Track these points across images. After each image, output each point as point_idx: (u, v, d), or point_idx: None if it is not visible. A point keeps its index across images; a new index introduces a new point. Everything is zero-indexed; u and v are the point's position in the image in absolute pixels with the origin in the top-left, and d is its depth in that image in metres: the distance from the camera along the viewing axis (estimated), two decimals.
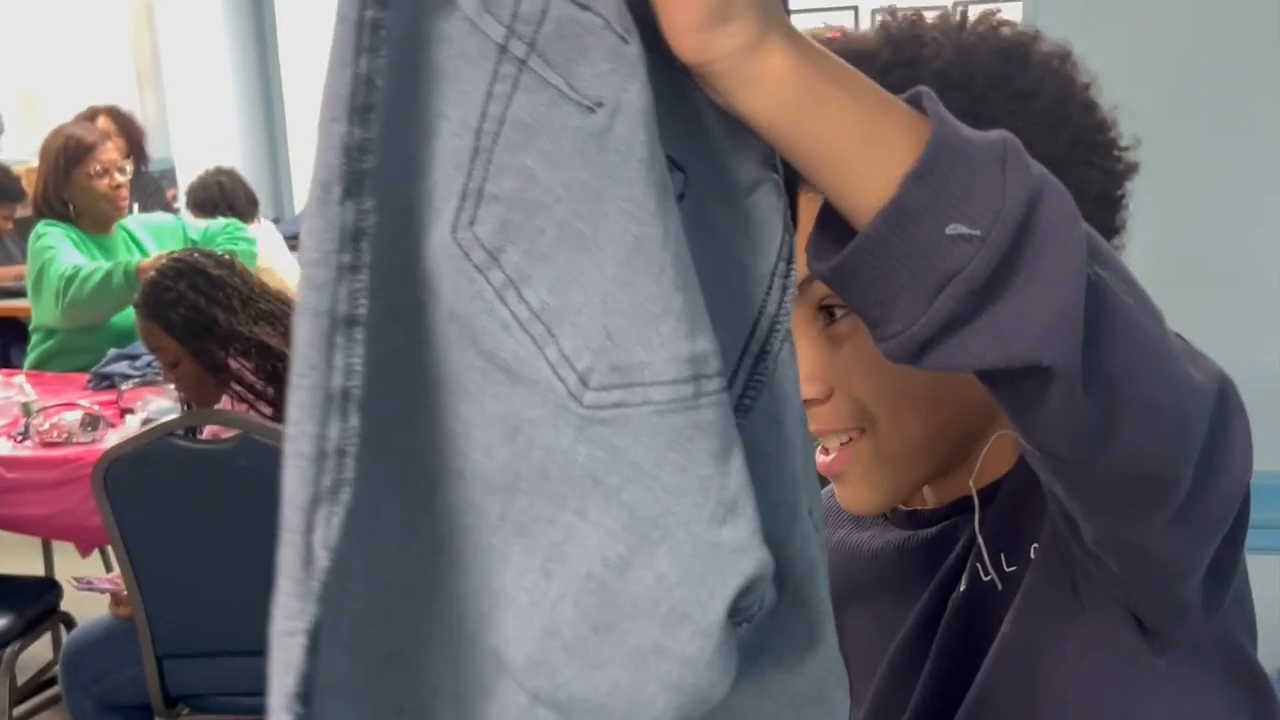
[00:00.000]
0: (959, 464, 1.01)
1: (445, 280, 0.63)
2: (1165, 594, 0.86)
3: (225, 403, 2.67)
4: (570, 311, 0.62)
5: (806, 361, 0.87)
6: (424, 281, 0.63)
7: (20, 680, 3.61)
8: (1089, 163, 0.94)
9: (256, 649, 2.63)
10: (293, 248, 5.52)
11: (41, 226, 3.92)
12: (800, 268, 0.70)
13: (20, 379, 3.61)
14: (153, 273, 2.75)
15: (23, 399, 3.38)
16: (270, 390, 2.64)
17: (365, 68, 0.59)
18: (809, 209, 0.72)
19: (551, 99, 0.61)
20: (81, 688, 2.83)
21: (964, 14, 0.97)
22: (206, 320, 2.66)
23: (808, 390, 0.87)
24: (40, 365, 4.01)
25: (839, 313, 0.91)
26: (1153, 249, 2.09)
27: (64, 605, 3.46)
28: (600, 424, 0.62)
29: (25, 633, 3.30)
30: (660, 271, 0.61)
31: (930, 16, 0.97)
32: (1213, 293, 2.08)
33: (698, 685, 0.63)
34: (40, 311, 3.94)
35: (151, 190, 4.90)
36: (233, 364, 2.66)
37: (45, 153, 4.00)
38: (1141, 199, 1.97)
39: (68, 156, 3.91)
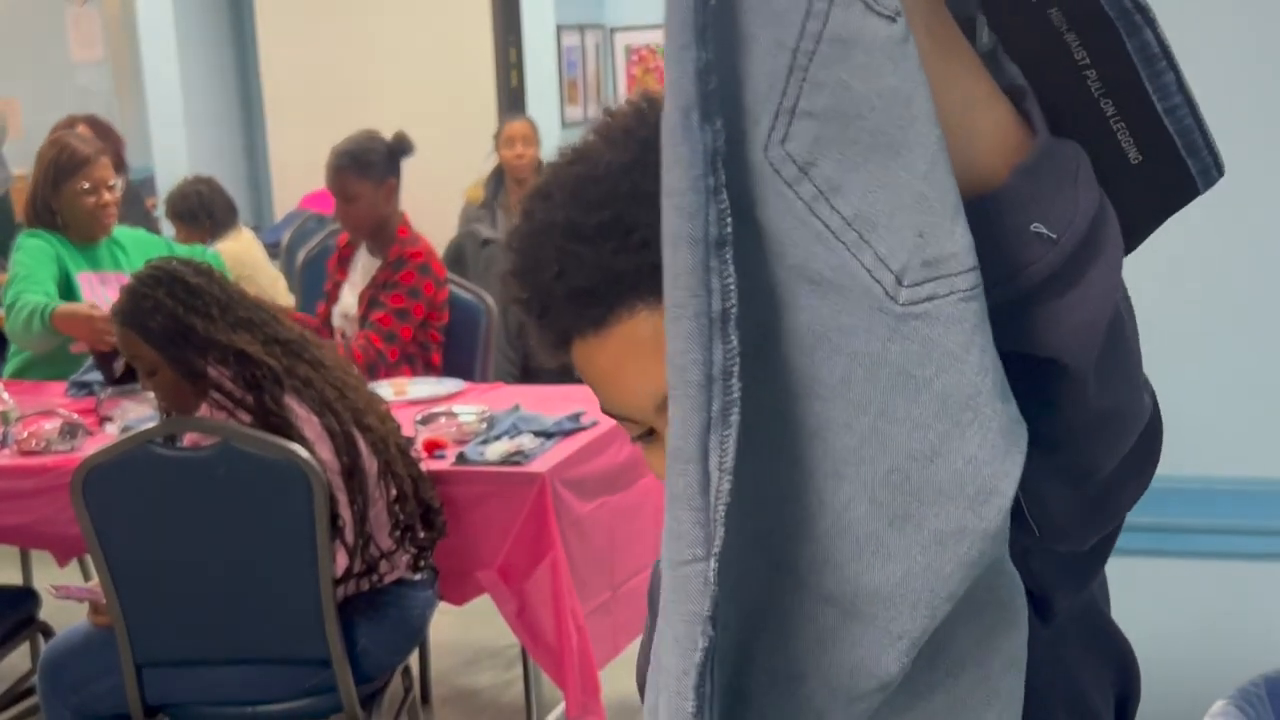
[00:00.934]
0: None
1: (756, 198, 0.65)
2: (1050, 558, 0.89)
3: (204, 410, 2.65)
4: (883, 215, 0.64)
5: None
6: (735, 200, 0.65)
7: None
8: None
9: (236, 657, 2.63)
10: (273, 255, 5.51)
11: (23, 238, 3.89)
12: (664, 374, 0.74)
13: None
14: (131, 280, 2.74)
15: (0, 408, 3.37)
16: (249, 398, 2.63)
17: None
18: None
19: (861, 12, 0.63)
20: (60, 697, 2.81)
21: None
22: (184, 328, 2.64)
23: None
24: (21, 373, 3.98)
25: None
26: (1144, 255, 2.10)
27: (42, 614, 3.44)
28: (915, 319, 0.65)
29: (3, 642, 3.28)
30: (951, 168, 0.64)
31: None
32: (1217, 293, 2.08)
33: (992, 555, 0.67)
34: None
35: (130, 199, 4.88)
36: (211, 372, 2.64)
37: (39, 160, 3.96)
38: None
39: (59, 168, 3.86)
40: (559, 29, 7.34)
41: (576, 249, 0.84)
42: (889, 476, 0.67)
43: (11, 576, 3.91)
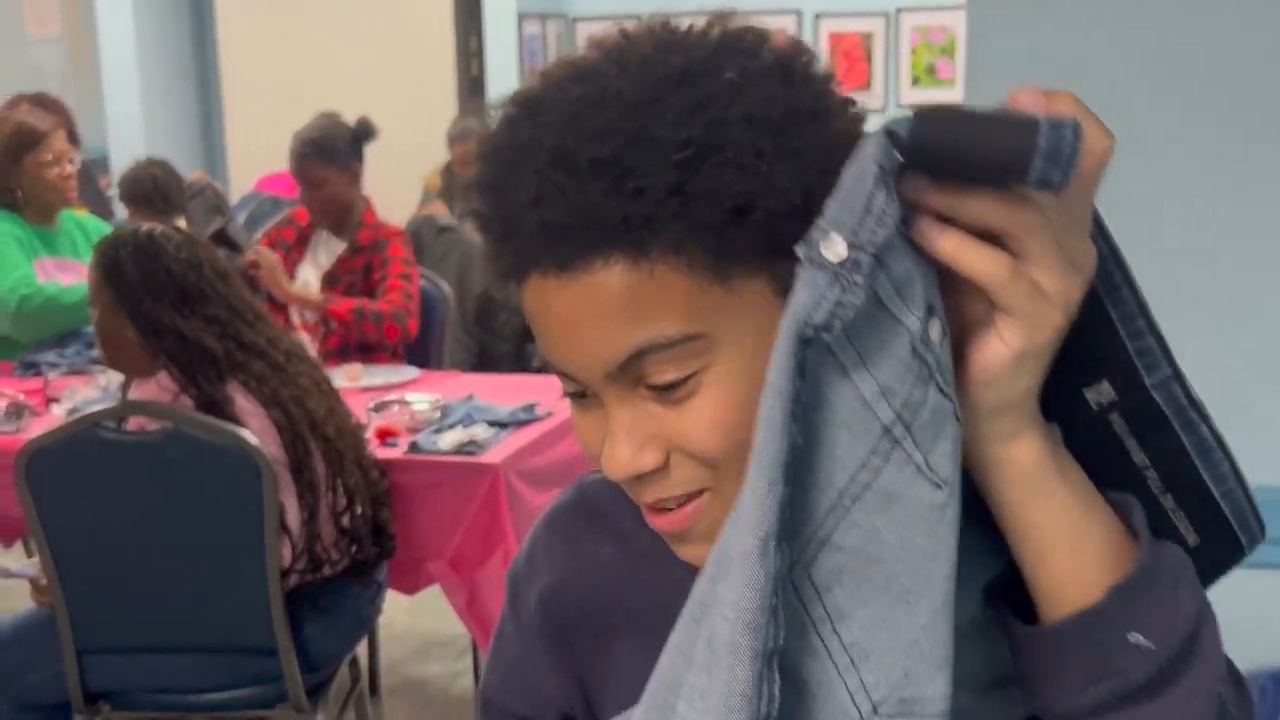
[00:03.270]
0: None
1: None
2: None
3: (151, 386, 2.61)
4: (876, 649, 0.71)
5: (639, 428, 0.79)
6: None
7: None
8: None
9: (181, 645, 2.57)
10: None
11: None
12: (623, 341, 0.75)
13: None
14: (124, 228, 2.70)
15: None
16: (190, 381, 2.59)
17: (792, 434, 0.67)
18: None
19: (912, 474, 0.69)
20: None
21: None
22: (133, 296, 2.60)
23: (645, 460, 0.79)
24: None
25: (679, 388, 0.78)
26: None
27: None
28: None
29: None
30: (951, 624, 0.71)
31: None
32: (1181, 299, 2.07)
33: None
34: None
35: (84, 178, 4.81)
36: (153, 344, 2.60)
37: None
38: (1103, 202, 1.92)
39: (19, 143, 3.87)
40: (520, 17, 7.31)
41: (561, 179, 0.73)
42: None
43: None
